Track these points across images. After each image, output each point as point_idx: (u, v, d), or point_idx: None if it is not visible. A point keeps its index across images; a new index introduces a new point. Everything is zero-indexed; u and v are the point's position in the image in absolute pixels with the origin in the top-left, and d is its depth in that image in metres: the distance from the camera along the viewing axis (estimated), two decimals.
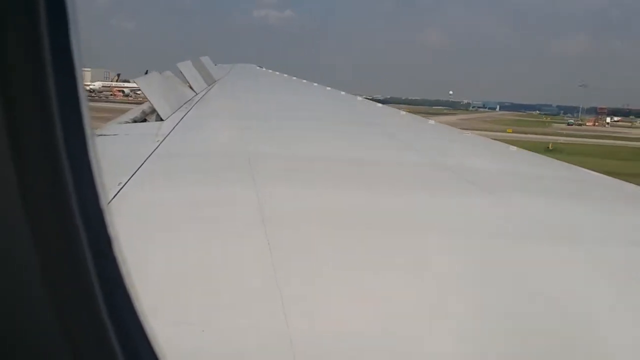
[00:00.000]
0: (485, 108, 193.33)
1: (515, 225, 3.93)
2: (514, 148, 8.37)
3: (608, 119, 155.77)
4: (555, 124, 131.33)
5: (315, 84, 21.10)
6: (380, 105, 15.70)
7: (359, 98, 17.35)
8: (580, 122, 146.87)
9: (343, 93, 17.61)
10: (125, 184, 4.03)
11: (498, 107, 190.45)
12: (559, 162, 7.46)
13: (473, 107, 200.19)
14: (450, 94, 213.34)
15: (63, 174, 0.78)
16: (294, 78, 25.16)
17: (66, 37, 0.78)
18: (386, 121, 11.25)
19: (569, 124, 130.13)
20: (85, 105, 0.81)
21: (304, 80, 23.31)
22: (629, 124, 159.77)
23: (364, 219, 3.76)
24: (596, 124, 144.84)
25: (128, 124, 7.96)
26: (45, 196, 0.77)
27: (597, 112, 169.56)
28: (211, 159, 5.49)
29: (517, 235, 3.69)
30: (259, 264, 2.83)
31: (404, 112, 14.51)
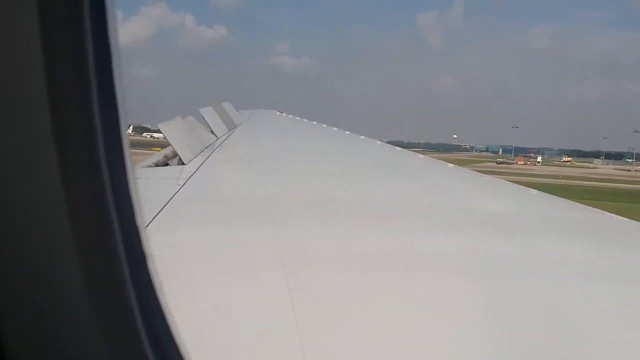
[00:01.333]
0: (488, 151, 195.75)
1: (539, 266, 3.87)
2: (534, 191, 8.31)
3: (539, 158, 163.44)
4: (488, 162, 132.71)
5: (335, 129, 21.29)
6: (398, 148, 15.74)
7: (379, 142, 17.44)
8: (508, 160, 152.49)
9: (362, 137, 17.73)
10: (147, 226, 4.06)
11: (500, 150, 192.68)
12: (584, 205, 7.36)
13: (476, 150, 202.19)
14: (454, 138, 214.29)
15: (106, 197, 0.87)
16: (314, 122, 25.44)
17: (112, 88, 0.87)
18: (405, 164, 11.28)
19: (497, 162, 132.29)
20: (127, 141, 0.92)
21: (324, 125, 23.55)
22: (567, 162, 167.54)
23: (385, 261, 3.74)
24: (528, 162, 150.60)
25: (150, 168, 8.09)
26: (89, 216, 0.86)
27: (528, 152, 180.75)
28: (232, 203, 5.54)
29: (542, 275, 3.63)
30: (279, 307, 2.82)
31: (422, 156, 14.55)
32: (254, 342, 2.51)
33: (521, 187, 9.29)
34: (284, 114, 32.59)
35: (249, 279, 3.30)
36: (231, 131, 15.86)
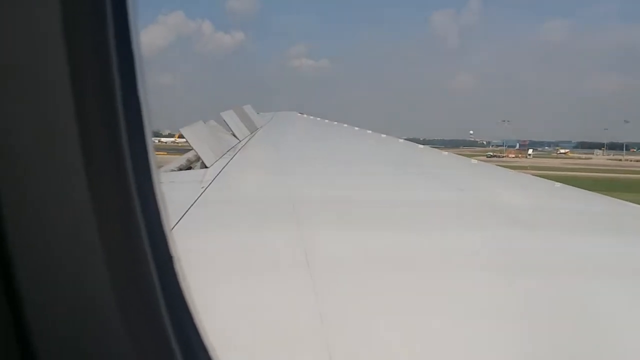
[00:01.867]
0: (504, 146, 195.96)
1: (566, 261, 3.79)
2: (559, 184, 8.17)
3: (530, 151, 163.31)
4: (480, 156, 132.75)
5: (356, 128, 21.24)
6: (420, 146, 15.64)
7: (401, 140, 17.34)
8: (499, 154, 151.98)
9: (384, 135, 17.65)
10: (172, 229, 4.08)
11: (518, 144, 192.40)
12: (609, 198, 7.19)
13: (492, 145, 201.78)
14: (470, 134, 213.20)
15: (132, 199, 0.89)
16: (335, 123, 25.42)
17: (136, 95, 0.90)
18: (428, 161, 11.19)
19: (487, 156, 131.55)
20: (151, 145, 0.94)
21: (345, 125, 23.51)
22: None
23: (414, 261, 3.70)
24: (519, 155, 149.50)
25: (173, 172, 8.15)
26: (116, 219, 0.87)
27: (520, 145, 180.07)
28: (256, 204, 5.54)
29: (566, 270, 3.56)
30: (305, 309, 2.80)
31: (446, 153, 14.42)
32: (281, 344, 2.49)
33: (545, 180, 9.14)
34: (305, 115, 32.62)
35: (275, 281, 3.28)
36: (253, 133, 15.93)
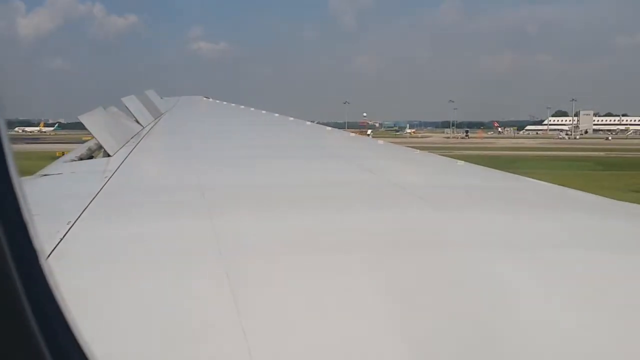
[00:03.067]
0: (396, 127, 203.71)
1: (469, 237, 4.00)
2: (461, 162, 8.58)
3: (369, 132, 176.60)
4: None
5: (263, 111, 21.16)
6: (328, 128, 15.84)
7: (308, 123, 17.46)
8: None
9: (291, 119, 17.71)
10: (75, 222, 3.91)
11: (407, 125, 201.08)
12: (508, 174, 7.63)
13: (385, 127, 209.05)
14: (364, 116, 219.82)
15: None
16: (241, 106, 25.15)
17: None
18: (331, 141, 11.37)
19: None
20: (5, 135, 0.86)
21: (251, 108, 23.33)
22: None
23: (322, 242, 3.76)
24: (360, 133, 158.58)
25: (74, 162, 7.77)
26: None
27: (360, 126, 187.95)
28: (163, 193, 5.41)
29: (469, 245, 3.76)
30: (219, 297, 2.78)
31: (352, 134, 14.71)
32: (197, 335, 2.47)
33: (448, 158, 9.57)
34: (211, 99, 32.00)
35: (185, 270, 3.23)
36: (157, 119, 15.45)
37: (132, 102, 14.46)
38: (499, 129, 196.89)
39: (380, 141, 12.23)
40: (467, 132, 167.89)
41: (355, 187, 5.81)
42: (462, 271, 3.28)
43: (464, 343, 2.44)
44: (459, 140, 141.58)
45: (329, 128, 15.85)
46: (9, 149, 0.85)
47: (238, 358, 2.22)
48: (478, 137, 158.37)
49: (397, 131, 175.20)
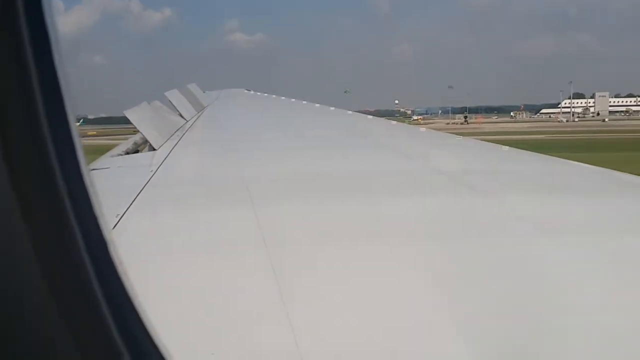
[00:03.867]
0: (428, 114, 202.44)
1: (515, 224, 3.92)
2: (506, 148, 8.39)
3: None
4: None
5: (304, 102, 21.15)
6: (369, 117, 15.72)
7: (349, 112, 17.37)
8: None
9: (332, 108, 17.65)
10: (123, 215, 4.00)
11: (440, 112, 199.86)
12: (556, 158, 7.42)
13: (417, 113, 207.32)
14: (396, 103, 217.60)
15: (58, 187, 0.84)
16: (283, 98, 25.21)
17: (57, 82, 0.85)
18: (376, 131, 11.28)
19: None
20: (79, 142, 0.90)
21: (293, 100, 23.37)
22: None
23: (370, 231, 3.75)
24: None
25: (120, 156, 7.95)
26: (43, 210, 0.83)
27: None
28: (207, 185, 5.48)
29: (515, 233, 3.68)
30: (264, 287, 2.80)
31: (394, 122, 14.57)
32: (243, 324, 2.50)
33: (493, 144, 9.37)
34: (252, 92, 32.21)
35: (232, 260, 3.27)
36: (200, 113, 15.66)
37: (175, 96, 14.69)
38: (512, 114, 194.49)
39: (423, 129, 12.06)
40: (466, 117, 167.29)
41: (402, 176, 5.76)
42: (517, 258, 3.22)
43: (517, 331, 2.38)
44: (459, 125, 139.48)
45: (370, 116, 15.73)
46: (80, 145, 0.89)
47: (285, 346, 2.23)
48: (477, 122, 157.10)
49: (409, 117, 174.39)
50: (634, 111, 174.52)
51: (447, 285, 2.85)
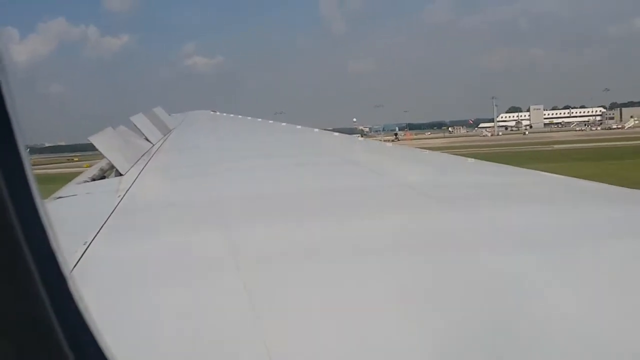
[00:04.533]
0: (384, 131, 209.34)
1: (481, 235, 3.99)
2: (471, 160, 8.55)
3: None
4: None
5: (270, 121, 21.22)
6: (336, 134, 15.86)
7: (316, 130, 17.48)
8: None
9: (299, 127, 17.74)
10: (91, 242, 3.95)
11: (397, 128, 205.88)
12: (519, 169, 7.58)
13: (375, 131, 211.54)
14: (354, 121, 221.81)
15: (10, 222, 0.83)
16: (249, 118, 25.24)
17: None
18: (341, 147, 11.38)
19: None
20: (32, 174, 0.88)
21: (259, 119, 23.42)
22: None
23: (338, 248, 3.77)
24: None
25: (87, 183, 7.83)
26: None
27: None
28: (176, 209, 5.44)
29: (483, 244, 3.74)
30: (239, 308, 2.79)
31: (360, 138, 14.71)
32: (216, 344, 2.48)
33: (457, 157, 9.55)
34: (218, 113, 32.13)
35: (203, 282, 3.25)
36: (166, 136, 15.55)
37: (140, 120, 14.58)
38: (450, 129, 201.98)
39: (389, 144, 12.22)
40: (396, 134, 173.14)
41: (369, 191, 5.81)
42: (479, 270, 3.26)
43: (484, 343, 2.42)
44: (389, 142, 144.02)
45: (336, 134, 15.86)
46: (33, 178, 0.88)
47: None
48: (406, 139, 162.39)
49: (366, 134, 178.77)
50: (566, 122, 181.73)
51: (423, 302, 2.87)
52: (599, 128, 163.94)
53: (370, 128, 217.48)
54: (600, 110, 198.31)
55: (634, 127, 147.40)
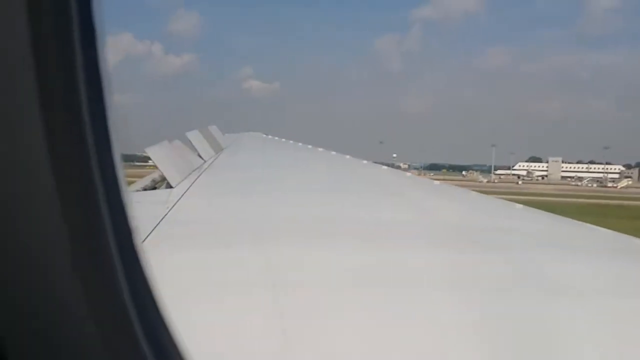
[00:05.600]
0: (421, 168, 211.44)
1: (520, 280, 3.92)
2: (520, 206, 8.41)
3: None
4: None
5: (320, 149, 21.39)
6: (384, 167, 15.86)
7: (364, 162, 17.53)
8: None
9: (348, 157, 17.83)
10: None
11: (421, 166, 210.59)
12: (573, 220, 7.40)
13: (413, 167, 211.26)
14: (394, 157, 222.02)
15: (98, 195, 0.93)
16: (299, 144, 25.52)
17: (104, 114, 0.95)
18: (388, 180, 11.37)
19: None
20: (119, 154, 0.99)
21: (309, 146, 23.65)
22: None
23: (377, 279, 3.78)
24: None
25: (138, 192, 8.09)
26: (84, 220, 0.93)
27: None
28: (221, 225, 5.57)
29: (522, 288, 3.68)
30: (271, 328, 2.83)
31: (409, 173, 14.66)
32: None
33: (507, 202, 9.40)
34: (269, 137, 32.66)
35: (239, 300, 3.31)
36: (218, 154, 15.89)
37: (195, 136, 14.99)
38: (463, 173, 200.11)
39: (437, 182, 12.15)
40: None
41: (413, 226, 5.80)
42: (522, 316, 3.22)
43: None
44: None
45: (384, 167, 15.87)
46: (122, 170, 1.00)
47: None
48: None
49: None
50: (579, 177, 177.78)
51: (455, 341, 2.85)
52: (594, 185, 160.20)
53: (409, 165, 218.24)
54: (619, 168, 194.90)
55: (626, 187, 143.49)
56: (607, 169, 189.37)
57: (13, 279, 0.86)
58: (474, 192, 10.60)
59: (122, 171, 0.99)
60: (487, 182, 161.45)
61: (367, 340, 2.80)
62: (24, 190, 0.86)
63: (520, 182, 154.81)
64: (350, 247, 4.64)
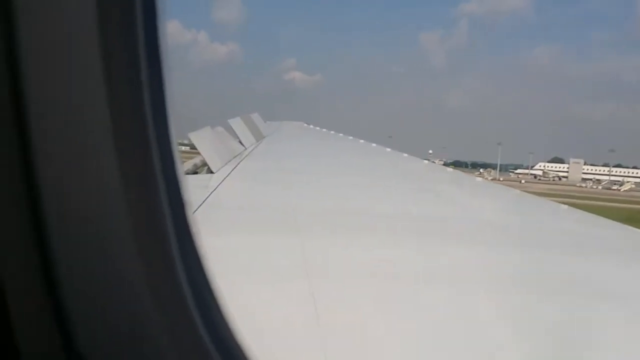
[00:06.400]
0: (455, 166, 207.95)
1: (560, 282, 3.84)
2: (565, 206, 8.21)
3: None
4: None
5: (362, 141, 21.29)
6: (405, 155, 15.71)
7: (405, 155, 17.39)
8: None
9: (389, 149, 17.71)
10: None
11: (469, 165, 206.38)
12: (616, 223, 7.20)
13: (446, 164, 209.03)
14: (430, 153, 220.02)
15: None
16: (340, 134, 25.46)
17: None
18: (421, 173, 11.26)
19: None
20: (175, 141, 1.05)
21: (350, 137, 23.57)
22: None
23: (414, 273, 3.76)
24: None
25: None
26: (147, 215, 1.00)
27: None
28: (259, 211, 5.62)
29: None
30: (303, 316, 2.85)
31: (450, 169, 14.48)
32: (278, 346, 2.54)
33: (551, 202, 9.20)
34: (311, 126, 32.66)
35: (271, 286, 3.34)
36: (259, 142, 16.01)
37: (237, 123, 15.12)
38: (480, 171, 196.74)
39: (479, 179, 11.95)
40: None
41: (451, 222, 5.74)
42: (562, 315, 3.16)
43: None
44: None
45: (426, 161, 15.71)
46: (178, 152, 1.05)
47: None
48: None
49: None
50: (597, 180, 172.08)
51: (503, 342, 2.81)
52: (600, 187, 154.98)
53: (444, 161, 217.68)
54: (638, 172, 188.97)
55: (629, 190, 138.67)
56: (632, 173, 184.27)
57: (84, 265, 0.90)
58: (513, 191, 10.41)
59: (180, 163, 1.03)
60: (492, 179, 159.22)
61: (406, 335, 2.79)
62: (90, 175, 0.90)
63: (523, 182, 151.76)
64: (389, 242, 4.62)
